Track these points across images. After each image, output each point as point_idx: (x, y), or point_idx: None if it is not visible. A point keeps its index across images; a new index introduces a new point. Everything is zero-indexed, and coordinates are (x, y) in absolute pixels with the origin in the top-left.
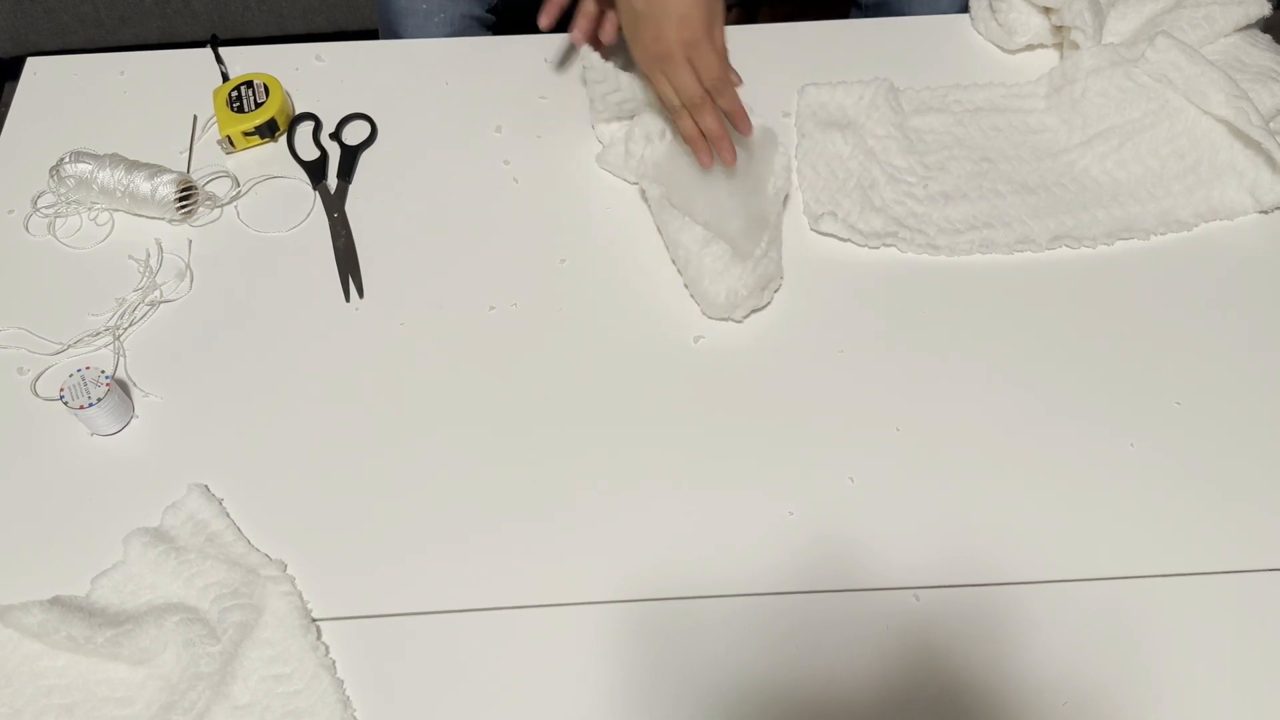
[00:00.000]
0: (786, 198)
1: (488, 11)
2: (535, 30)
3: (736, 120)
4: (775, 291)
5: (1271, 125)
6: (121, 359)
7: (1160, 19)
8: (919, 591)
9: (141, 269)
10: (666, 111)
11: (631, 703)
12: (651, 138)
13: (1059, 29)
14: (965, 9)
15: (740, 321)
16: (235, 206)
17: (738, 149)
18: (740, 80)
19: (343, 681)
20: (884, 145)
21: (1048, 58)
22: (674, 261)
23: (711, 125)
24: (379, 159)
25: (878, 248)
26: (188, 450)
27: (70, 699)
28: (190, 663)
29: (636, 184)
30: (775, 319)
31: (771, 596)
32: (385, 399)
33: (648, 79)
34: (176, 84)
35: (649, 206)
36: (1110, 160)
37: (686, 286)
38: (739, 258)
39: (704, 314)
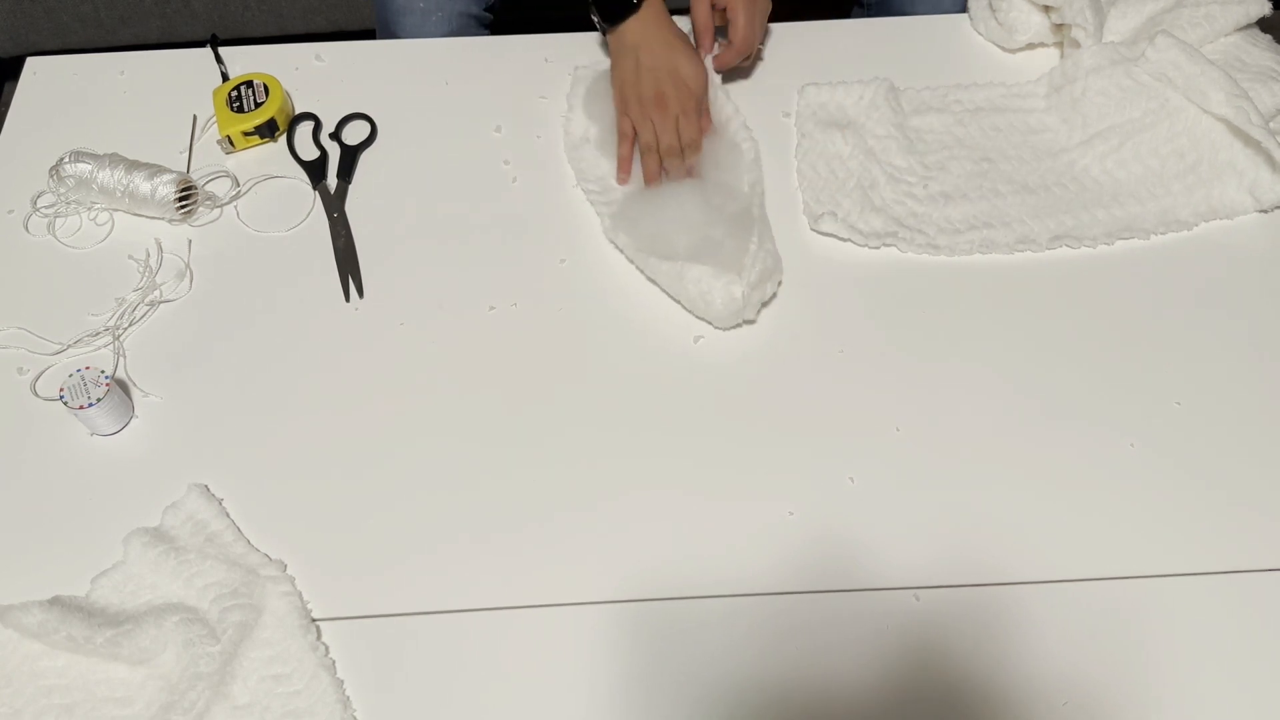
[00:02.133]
0: (763, 191)
1: (485, 10)
2: (534, 29)
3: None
4: (779, 284)
5: (1271, 125)
6: (121, 359)
7: (1161, 18)
8: (919, 591)
9: (141, 269)
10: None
11: (631, 703)
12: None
13: (1059, 28)
14: (966, 8)
15: (754, 321)
16: (235, 206)
17: (700, 159)
18: (710, 126)
19: (343, 681)
20: (884, 145)
21: (1048, 57)
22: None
23: (677, 172)
24: (379, 159)
25: (878, 248)
26: (188, 450)
27: (70, 699)
28: (190, 663)
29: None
30: (775, 319)
31: (771, 596)
32: (385, 399)
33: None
34: (176, 84)
35: (625, 256)
36: (1110, 160)
37: (690, 313)
38: (726, 268)
39: (716, 328)
